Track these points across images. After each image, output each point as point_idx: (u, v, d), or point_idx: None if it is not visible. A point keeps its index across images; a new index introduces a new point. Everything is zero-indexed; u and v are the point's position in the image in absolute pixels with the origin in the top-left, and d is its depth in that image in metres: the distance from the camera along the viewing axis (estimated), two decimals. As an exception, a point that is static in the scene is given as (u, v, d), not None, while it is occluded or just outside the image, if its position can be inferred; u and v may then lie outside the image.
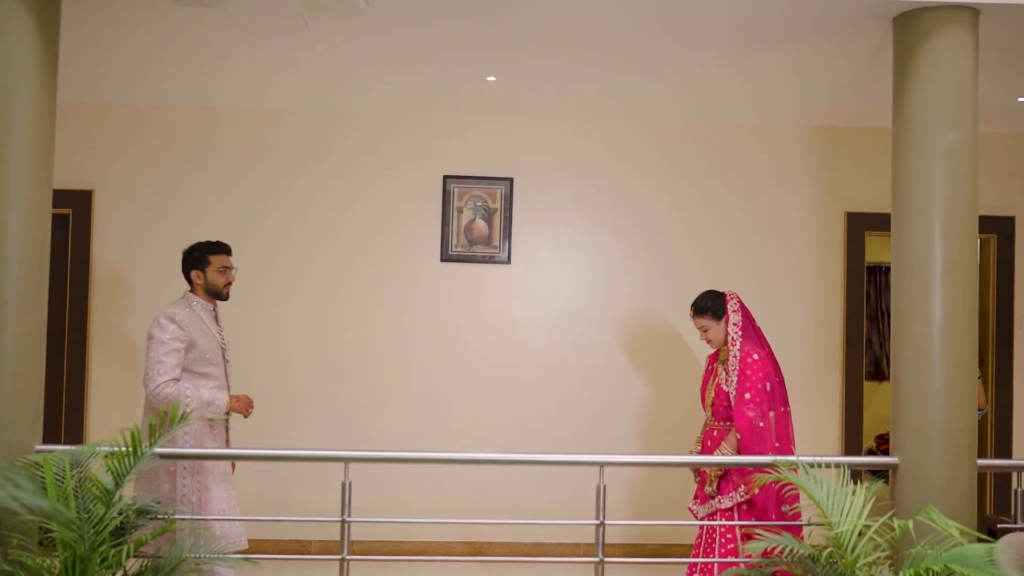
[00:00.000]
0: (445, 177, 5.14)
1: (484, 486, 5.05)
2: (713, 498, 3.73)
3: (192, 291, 3.86)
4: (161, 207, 5.09)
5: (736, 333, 3.80)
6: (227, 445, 3.83)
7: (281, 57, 4.24)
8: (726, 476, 3.71)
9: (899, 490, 3.24)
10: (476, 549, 5.02)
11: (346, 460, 3.16)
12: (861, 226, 5.20)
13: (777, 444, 3.71)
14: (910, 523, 2.72)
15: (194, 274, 3.83)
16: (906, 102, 3.33)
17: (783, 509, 3.61)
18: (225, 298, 3.88)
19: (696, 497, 3.88)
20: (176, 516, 3.05)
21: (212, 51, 4.16)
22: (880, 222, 5.16)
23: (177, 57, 4.29)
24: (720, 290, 3.94)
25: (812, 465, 3.01)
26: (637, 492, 5.07)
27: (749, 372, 3.73)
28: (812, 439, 5.12)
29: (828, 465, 3.04)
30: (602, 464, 3.24)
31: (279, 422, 5.01)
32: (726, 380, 3.82)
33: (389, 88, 4.72)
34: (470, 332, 5.15)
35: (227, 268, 3.87)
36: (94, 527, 2.73)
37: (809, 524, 3.12)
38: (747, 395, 3.69)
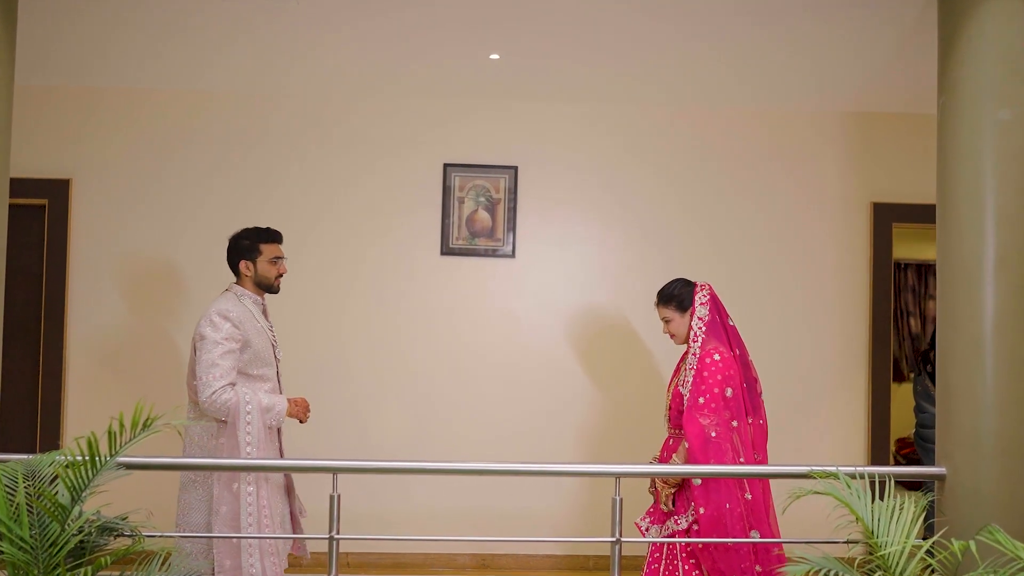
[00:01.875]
0: (445, 165, 4.83)
1: (489, 491, 4.73)
2: (671, 516, 3.34)
3: (239, 283, 3.53)
4: (144, 197, 4.78)
5: (700, 328, 3.42)
6: (281, 455, 3.51)
7: (272, 39, 3.96)
8: (681, 492, 3.33)
9: (947, 504, 2.93)
10: (481, 561, 4.71)
11: (334, 471, 2.85)
12: (888, 217, 4.89)
13: (742, 460, 3.31)
14: (972, 544, 2.41)
15: (243, 264, 3.51)
16: (953, 76, 3.01)
17: (751, 534, 3.24)
18: (276, 291, 3.57)
19: (648, 514, 3.50)
20: (146, 534, 2.73)
21: (199, 32, 3.88)
22: (909, 213, 4.88)
23: (162, 38, 4.02)
24: (692, 279, 3.56)
25: (854, 476, 2.70)
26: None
27: (707, 374, 3.32)
28: (836, 445, 4.82)
29: (863, 476, 2.72)
30: (619, 475, 2.92)
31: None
32: (682, 382, 3.44)
33: (385, 70, 4.42)
34: (471, 330, 4.83)
35: (279, 258, 3.55)
36: (48, 547, 2.42)
37: (850, 541, 2.81)
38: (701, 399, 3.29)
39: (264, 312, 3.57)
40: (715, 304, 3.48)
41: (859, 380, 4.89)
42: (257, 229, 3.57)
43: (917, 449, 5.16)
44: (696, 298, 3.47)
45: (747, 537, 3.22)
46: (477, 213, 4.84)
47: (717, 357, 3.35)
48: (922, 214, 4.84)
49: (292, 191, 4.82)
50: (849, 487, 2.67)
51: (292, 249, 4.79)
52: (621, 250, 4.88)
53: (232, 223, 4.74)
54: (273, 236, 3.58)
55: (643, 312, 4.85)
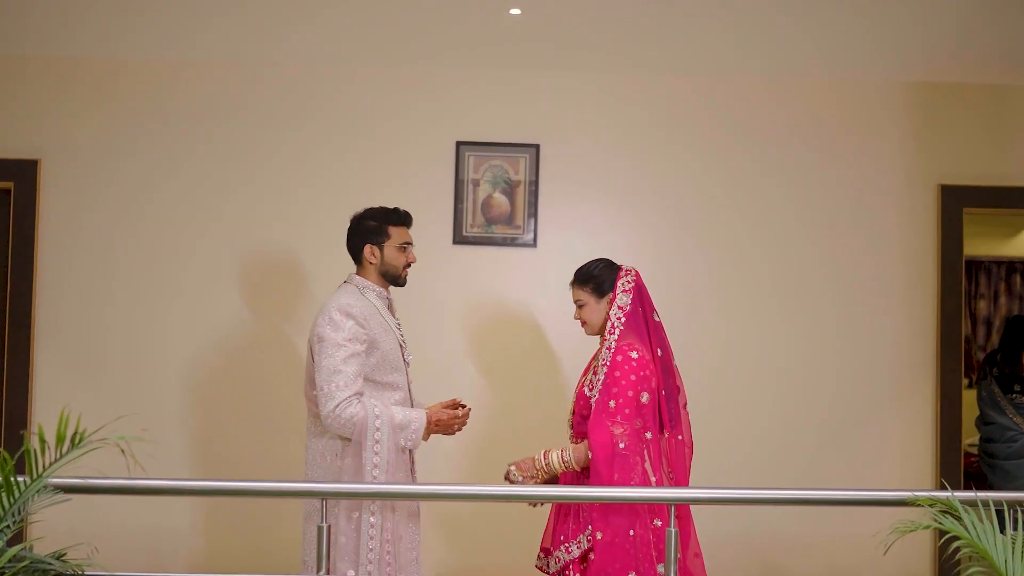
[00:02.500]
0: (458, 144, 4.30)
1: (508, 514, 4.18)
2: (561, 545, 2.84)
3: (361, 273, 3.08)
4: (121, 180, 4.27)
5: (618, 319, 2.95)
6: (413, 478, 3.03)
7: (262, 1, 3.47)
8: (573, 511, 2.82)
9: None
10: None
11: (323, 495, 2.32)
12: (958, 202, 4.33)
13: (653, 481, 2.81)
14: None
15: (368, 250, 3.09)
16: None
17: (659, 570, 2.71)
18: (402, 283, 3.11)
19: (542, 550, 3.01)
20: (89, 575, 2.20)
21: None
22: (981, 196, 4.34)
23: (141, 1, 3.56)
24: (618, 263, 3.11)
25: (974, 503, 2.15)
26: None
27: (619, 373, 2.85)
28: (900, 461, 4.26)
29: (984, 503, 2.18)
30: (672, 501, 2.37)
31: (254, 435, 4.19)
32: (590, 382, 2.95)
33: (388, 34, 3.92)
34: (487, 328, 4.29)
35: (408, 244, 3.09)
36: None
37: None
38: (612, 403, 2.82)
39: (390, 307, 3.10)
40: (640, 294, 3.03)
41: (925, 388, 4.32)
42: (385, 209, 3.13)
43: (982, 466, 4.60)
44: (619, 283, 3.04)
45: (654, 574, 2.70)
46: (494, 197, 4.32)
47: (634, 355, 2.88)
48: (996, 197, 4.34)
49: (285, 173, 4.30)
50: (968, 516, 2.13)
51: (284, 238, 4.32)
52: (655, 239, 4.35)
53: (219, 209, 4.28)
54: (403, 218, 3.14)
55: (680, 308, 4.32)
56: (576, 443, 3.00)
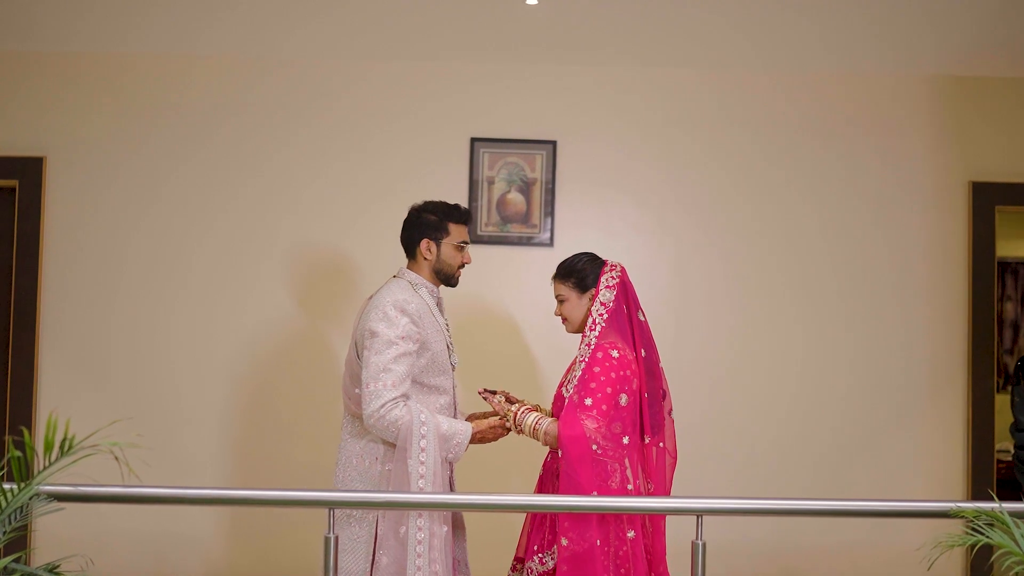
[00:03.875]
0: (472, 140, 4.18)
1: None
2: (539, 553, 2.69)
3: (413, 268, 2.95)
4: (128, 178, 4.16)
5: (600, 316, 2.81)
6: (453, 487, 2.90)
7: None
8: (549, 520, 2.67)
9: None
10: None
11: (330, 504, 2.19)
12: (990, 199, 4.17)
13: (630, 489, 2.65)
14: None
15: (425, 244, 2.95)
16: None
17: None
18: (454, 284, 2.99)
19: (516, 560, 2.86)
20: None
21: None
22: (1015, 194, 4.19)
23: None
24: (602, 257, 2.96)
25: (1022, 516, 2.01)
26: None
27: (598, 369, 2.71)
28: (929, 469, 4.11)
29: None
30: (700, 512, 2.24)
31: (256, 446, 4.08)
32: (568, 381, 2.82)
33: (400, 27, 3.80)
34: (503, 330, 4.16)
35: (466, 244, 2.95)
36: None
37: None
38: (588, 400, 2.66)
39: (439, 306, 2.97)
40: (624, 290, 2.88)
41: (955, 393, 4.16)
42: (447, 204, 2.99)
43: (1016, 473, 4.43)
44: (602, 279, 2.89)
45: None
46: (509, 195, 4.19)
47: (615, 354, 2.74)
48: (1031, 195, 4.18)
49: (294, 170, 4.19)
50: (1019, 529, 1.99)
51: (293, 236, 4.20)
52: (676, 239, 4.21)
53: (227, 206, 4.17)
54: (465, 216, 3.00)
55: (698, 310, 4.18)
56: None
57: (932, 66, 4.14)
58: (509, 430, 2.91)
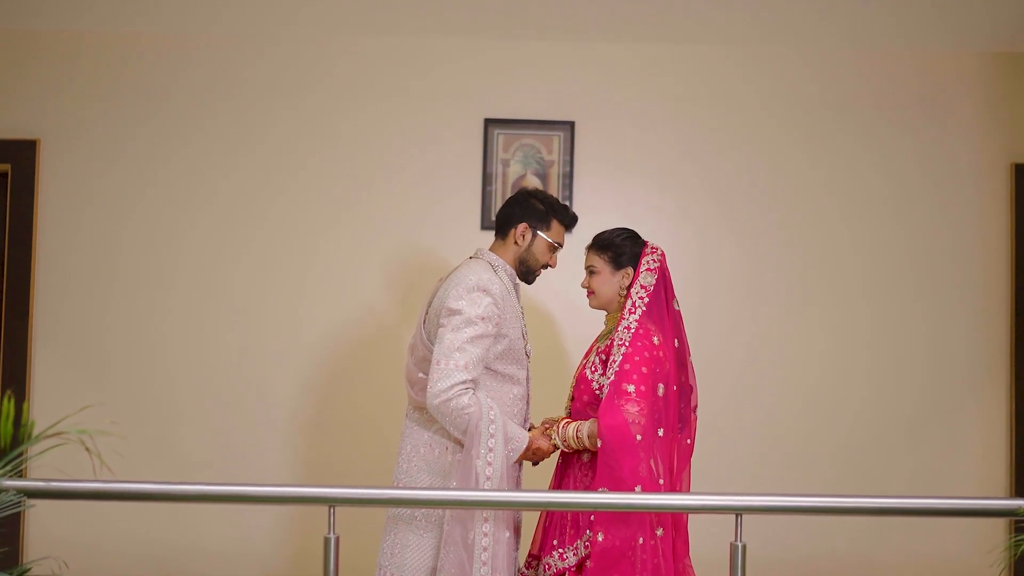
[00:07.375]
0: (487, 121, 3.98)
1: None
2: (553, 551, 2.52)
3: (496, 250, 2.80)
4: (125, 163, 3.99)
5: (641, 300, 2.65)
6: (519, 486, 2.73)
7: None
8: (570, 513, 2.52)
9: None
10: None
11: (331, 502, 1.99)
12: (1035, 183, 3.96)
13: (661, 483, 2.50)
14: None
15: (522, 228, 2.81)
16: None
17: None
18: (531, 281, 2.85)
19: (530, 556, 2.71)
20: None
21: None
22: (1060, 177, 3.95)
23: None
24: (644, 238, 2.81)
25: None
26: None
27: (639, 358, 2.54)
28: (971, 465, 3.89)
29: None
30: (739, 510, 2.03)
31: (254, 443, 3.90)
32: (592, 364, 2.64)
33: (410, 1, 3.62)
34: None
35: (559, 247, 2.82)
36: None
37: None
38: (630, 387, 2.48)
39: (517, 292, 2.82)
40: (664, 277, 2.74)
41: (998, 387, 3.94)
42: (558, 201, 2.86)
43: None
44: (643, 261, 2.74)
45: None
46: (525, 179, 4.00)
47: (656, 340, 2.58)
48: (1075, 178, 3.96)
49: (296, 153, 4.01)
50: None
51: (296, 223, 4.01)
52: (700, 225, 4.01)
53: (226, 191, 3.98)
54: (570, 220, 2.88)
55: (725, 299, 3.98)
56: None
57: (972, 43, 3.93)
58: (556, 448, 2.75)
